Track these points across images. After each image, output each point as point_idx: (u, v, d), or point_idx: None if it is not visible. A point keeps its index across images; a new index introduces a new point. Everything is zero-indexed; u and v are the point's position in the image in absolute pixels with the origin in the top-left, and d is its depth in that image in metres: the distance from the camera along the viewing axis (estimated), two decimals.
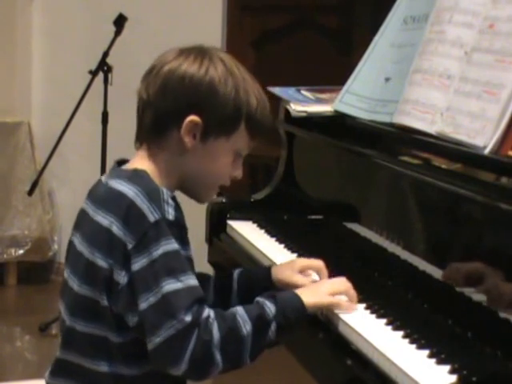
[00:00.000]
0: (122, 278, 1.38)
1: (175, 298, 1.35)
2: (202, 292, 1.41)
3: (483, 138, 1.47)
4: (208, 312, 1.38)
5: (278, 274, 1.56)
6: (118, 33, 3.51)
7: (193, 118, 1.44)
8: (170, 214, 1.39)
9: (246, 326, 1.39)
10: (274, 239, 1.90)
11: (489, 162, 1.45)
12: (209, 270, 2.31)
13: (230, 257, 1.98)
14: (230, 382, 3.09)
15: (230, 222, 2.03)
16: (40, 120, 4.27)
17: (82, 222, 1.47)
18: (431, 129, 1.60)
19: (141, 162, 1.47)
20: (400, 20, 1.88)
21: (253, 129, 1.49)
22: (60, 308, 1.49)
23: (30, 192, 3.73)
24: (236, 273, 1.60)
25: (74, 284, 1.44)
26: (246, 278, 1.59)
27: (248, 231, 1.97)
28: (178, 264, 1.38)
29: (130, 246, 1.37)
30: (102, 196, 1.45)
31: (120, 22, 3.50)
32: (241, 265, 1.90)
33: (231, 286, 1.58)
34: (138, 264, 1.37)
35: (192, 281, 1.38)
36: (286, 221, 2.03)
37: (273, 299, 1.43)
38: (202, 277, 1.54)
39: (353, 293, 1.48)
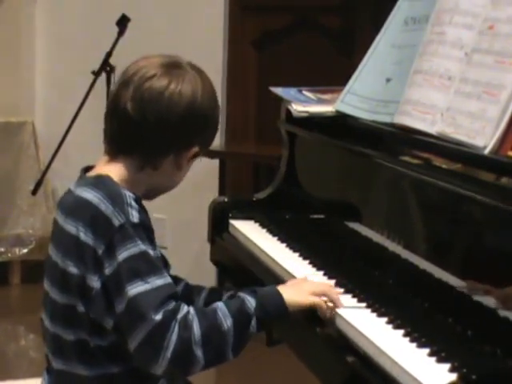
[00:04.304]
0: (95, 282, 1.40)
1: (143, 301, 1.36)
2: (175, 289, 1.42)
3: (483, 138, 1.47)
4: (187, 309, 1.39)
5: None
6: (120, 33, 3.51)
7: (196, 148, 1.50)
8: (135, 216, 1.41)
9: (227, 321, 1.40)
10: (275, 238, 1.91)
11: (489, 162, 1.46)
12: (211, 268, 2.33)
13: (233, 256, 1.99)
14: (232, 377, 3.11)
15: (233, 222, 2.04)
16: (44, 120, 4.27)
17: (55, 232, 1.50)
18: (432, 129, 1.61)
19: (108, 167, 1.49)
20: (401, 21, 1.88)
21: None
22: (43, 318, 1.50)
23: (34, 191, 3.74)
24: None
25: (54, 294, 1.47)
26: None
27: (250, 230, 1.97)
28: (145, 266, 1.39)
29: (100, 251, 1.39)
30: (70, 205, 1.47)
31: (123, 22, 3.50)
32: (243, 264, 1.92)
33: None
34: (108, 269, 1.39)
35: (160, 280, 1.39)
36: (287, 220, 2.04)
37: (254, 294, 1.44)
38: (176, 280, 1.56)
39: (335, 293, 1.49)
